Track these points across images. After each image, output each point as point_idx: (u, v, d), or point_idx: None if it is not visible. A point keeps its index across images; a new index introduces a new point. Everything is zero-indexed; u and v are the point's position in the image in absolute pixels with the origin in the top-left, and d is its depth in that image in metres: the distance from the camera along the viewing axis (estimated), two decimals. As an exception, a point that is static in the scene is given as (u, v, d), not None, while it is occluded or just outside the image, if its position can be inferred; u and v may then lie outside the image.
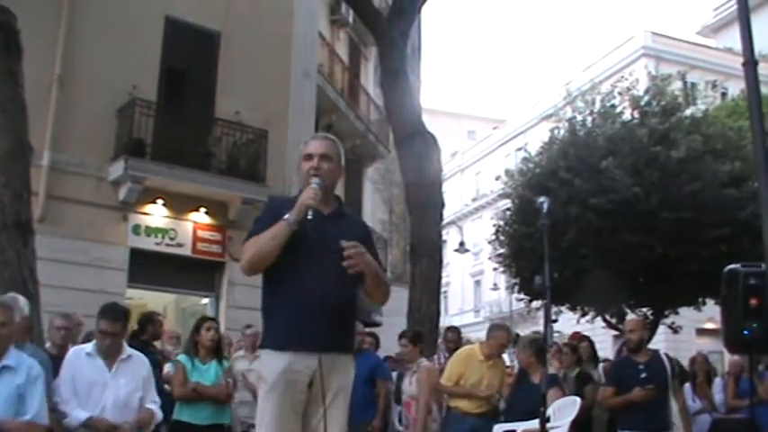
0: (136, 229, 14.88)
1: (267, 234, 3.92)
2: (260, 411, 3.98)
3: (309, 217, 3.88)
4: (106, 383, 5.67)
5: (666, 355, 7.82)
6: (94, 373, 5.68)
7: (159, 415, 5.94)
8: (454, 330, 10.58)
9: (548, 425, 6.52)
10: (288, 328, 3.90)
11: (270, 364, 3.93)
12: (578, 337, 11.28)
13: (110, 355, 5.74)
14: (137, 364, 5.89)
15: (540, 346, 7.49)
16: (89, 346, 5.88)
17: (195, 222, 15.52)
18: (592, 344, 10.97)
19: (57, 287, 12.02)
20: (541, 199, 6.73)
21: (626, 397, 7.26)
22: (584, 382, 9.37)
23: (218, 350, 7.29)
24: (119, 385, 5.71)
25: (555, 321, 16.12)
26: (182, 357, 7.19)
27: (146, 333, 8.14)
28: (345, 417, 4.02)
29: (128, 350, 5.86)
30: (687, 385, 10.33)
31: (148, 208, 15.00)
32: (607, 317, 18.72)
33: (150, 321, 8.21)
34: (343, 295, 3.99)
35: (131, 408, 5.72)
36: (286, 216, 3.91)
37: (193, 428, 6.89)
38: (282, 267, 3.93)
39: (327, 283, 3.88)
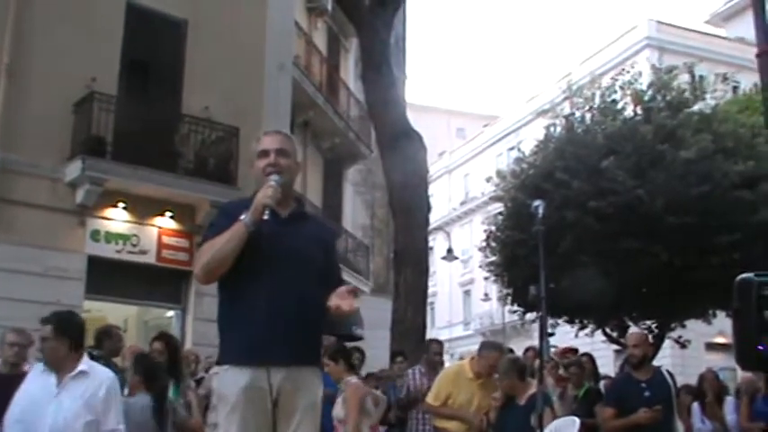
0: (95, 234, 14.74)
1: (222, 237, 3.88)
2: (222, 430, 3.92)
3: (266, 217, 3.84)
4: (49, 403, 5.22)
5: (667, 371, 7.82)
6: (40, 392, 5.30)
7: None
8: (440, 343, 10.49)
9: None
10: (247, 341, 3.85)
11: (229, 382, 3.88)
12: (563, 353, 11.30)
13: (60, 369, 5.31)
14: (92, 382, 5.32)
15: (520, 367, 7.49)
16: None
17: (160, 228, 15.41)
18: (592, 359, 10.94)
19: (7, 299, 11.98)
20: (536, 203, 6.72)
21: (631, 419, 7.21)
22: (593, 400, 9.32)
23: (173, 370, 7.17)
24: (61, 407, 5.18)
25: (552, 335, 16.12)
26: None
27: (102, 348, 8.03)
28: None
29: (84, 365, 5.38)
30: (695, 405, 10.31)
31: (108, 212, 14.87)
32: (608, 330, 18.70)
33: (107, 335, 8.10)
34: (307, 304, 3.92)
35: (82, 428, 5.19)
36: (242, 217, 3.87)
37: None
38: (239, 275, 3.88)
39: (289, 292, 3.84)
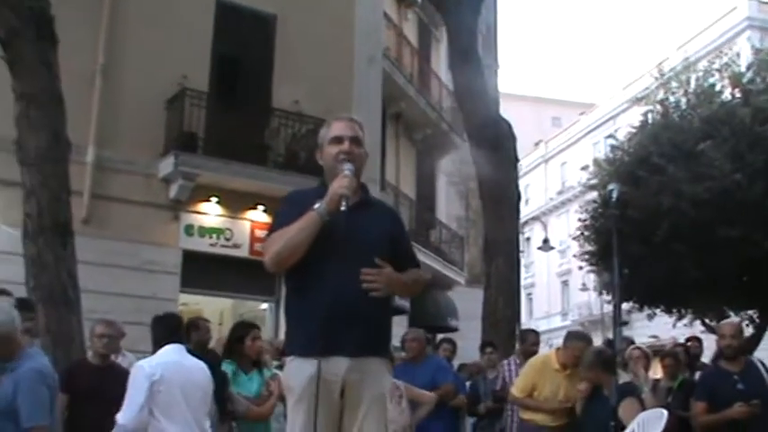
0: (188, 229, 14.92)
1: (295, 226, 3.80)
2: (289, 424, 3.89)
3: (343, 208, 3.75)
4: None
5: (761, 362, 7.49)
6: None
7: None
8: (534, 333, 10.29)
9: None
10: (315, 331, 3.74)
11: (297, 373, 3.82)
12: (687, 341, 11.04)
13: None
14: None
15: (605, 358, 7.29)
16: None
17: (252, 221, 15.49)
18: (687, 349, 10.65)
19: (104, 293, 12.16)
20: (611, 186, 6.51)
21: (725, 414, 6.92)
22: (689, 391, 9.06)
23: (259, 359, 7.25)
24: None
25: (625, 324, 15.78)
26: (225, 366, 7.13)
27: (190, 341, 8.11)
28: (383, 428, 3.89)
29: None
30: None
31: (201, 206, 15.02)
32: (707, 320, 18.25)
33: (195, 327, 8.17)
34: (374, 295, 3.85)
35: None
36: (316, 206, 3.80)
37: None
38: (307, 265, 3.82)
39: (356, 282, 3.75)
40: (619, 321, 6.27)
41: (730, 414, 6.87)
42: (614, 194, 6.61)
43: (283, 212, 3.97)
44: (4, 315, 5.15)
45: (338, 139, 4.01)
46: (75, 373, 6.85)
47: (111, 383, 6.75)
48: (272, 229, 3.97)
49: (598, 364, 7.29)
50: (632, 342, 10.93)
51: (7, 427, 5.01)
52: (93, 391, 6.70)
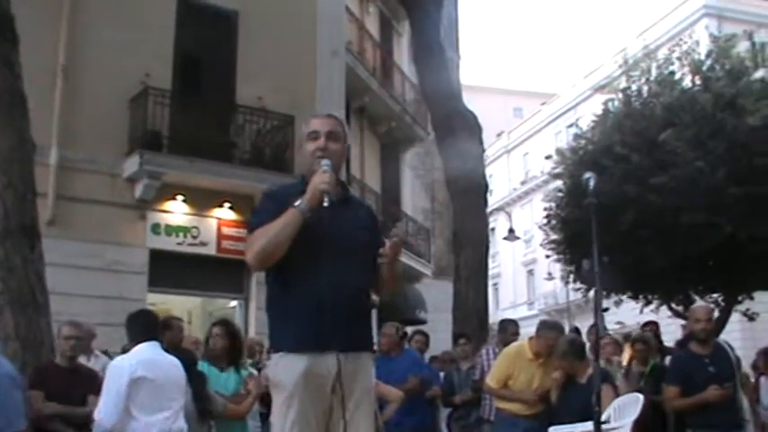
0: (155, 228, 14.85)
1: (278, 223, 3.79)
2: (280, 421, 3.85)
3: (326, 204, 3.76)
4: None
5: (727, 343, 7.60)
6: None
7: None
8: (514, 324, 10.29)
9: (607, 426, 6.36)
10: (304, 328, 3.78)
11: (287, 369, 3.81)
12: (644, 327, 11.12)
13: None
14: None
15: (578, 347, 7.36)
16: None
17: (219, 219, 15.46)
18: (657, 334, 10.75)
19: (71, 295, 12.06)
20: (587, 175, 6.56)
21: (700, 397, 7.00)
22: (660, 376, 9.13)
23: (234, 357, 7.18)
24: None
25: (606, 310, 15.84)
26: (200, 364, 7.10)
27: (163, 340, 8.06)
28: (374, 422, 3.95)
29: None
30: (763, 379, 10.08)
31: (168, 205, 14.96)
32: (673, 305, 18.40)
33: (168, 327, 8.12)
34: (360, 289, 3.90)
35: None
36: (297, 203, 3.79)
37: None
38: (291, 262, 3.81)
39: (343, 276, 3.77)
40: (600, 307, 6.23)
41: (705, 397, 6.95)
42: (591, 183, 6.57)
43: (264, 209, 3.96)
44: None
45: (315, 135, 4.01)
46: (44, 375, 6.80)
47: (79, 385, 6.75)
48: (252, 226, 3.94)
49: (571, 352, 7.35)
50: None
51: None
52: (62, 392, 6.69)
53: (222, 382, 7.00)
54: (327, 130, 4.01)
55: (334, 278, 3.75)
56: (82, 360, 7.98)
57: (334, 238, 3.79)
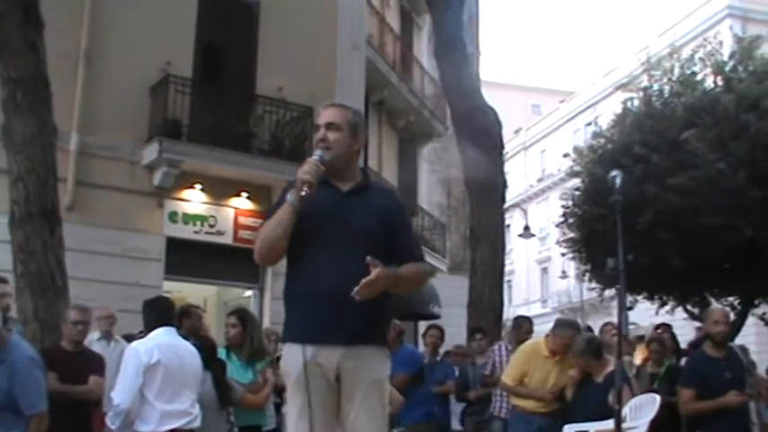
0: (172, 216, 14.89)
1: (272, 219, 3.87)
2: (288, 409, 3.95)
3: (303, 193, 3.77)
4: None
5: (742, 347, 7.57)
6: None
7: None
8: (528, 321, 10.26)
9: (624, 425, 6.36)
10: (308, 318, 3.82)
11: (291, 359, 3.86)
12: (656, 329, 11.09)
13: None
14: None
15: (595, 347, 7.34)
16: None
17: (236, 208, 15.49)
18: (673, 335, 10.73)
19: (88, 280, 12.10)
20: (613, 173, 6.54)
21: (720, 401, 6.87)
22: (675, 377, 9.12)
23: (251, 346, 7.18)
24: None
25: (630, 309, 15.80)
26: (219, 351, 7.13)
27: (182, 328, 8.10)
28: (382, 415, 3.90)
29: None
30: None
31: (186, 193, 15.00)
32: (689, 307, 18.36)
33: (186, 315, 8.17)
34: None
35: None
36: (288, 197, 3.83)
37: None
38: (299, 253, 3.86)
39: (350, 268, 3.72)
40: (624, 305, 6.20)
41: (726, 402, 6.84)
42: (617, 181, 6.55)
43: (277, 202, 4.01)
44: None
45: (317, 128, 4.08)
46: (52, 357, 6.84)
47: (84, 367, 6.80)
48: (265, 219, 4.01)
49: (588, 351, 7.35)
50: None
51: (6, 416, 5.03)
52: (68, 374, 6.74)
53: (240, 371, 7.03)
54: (326, 121, 4.04)
55: (339, 269, 3.75)
56: (102, 344, 8.06)
57: (340, 228, 3.82)
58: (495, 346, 9.89)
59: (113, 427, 5.64)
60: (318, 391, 3.80)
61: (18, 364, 5.10)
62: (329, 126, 4.01)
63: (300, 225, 3.82)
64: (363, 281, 3.64)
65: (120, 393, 5.67)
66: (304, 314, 3.83)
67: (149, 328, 6.11)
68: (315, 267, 3.81)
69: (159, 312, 6.19)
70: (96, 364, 7.14)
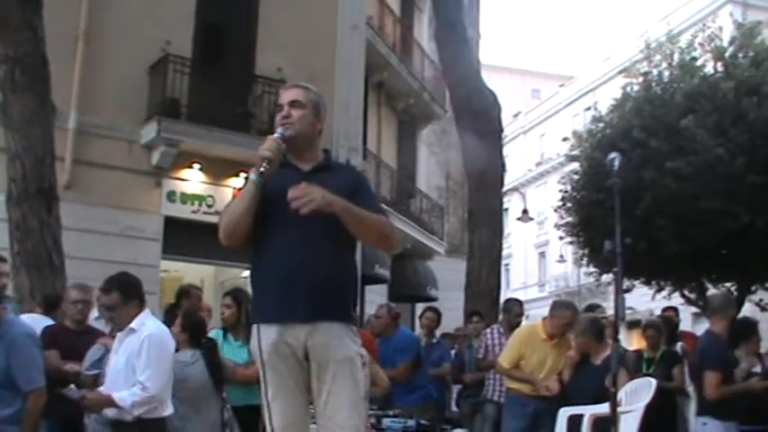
0: (170, 195, 14.86)
1: (236, 198, 3.88)
2: (262, 390, 3.94)
3: (263, 169, 3.77)
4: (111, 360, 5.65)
5: None
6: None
7: (124, 402, 5.42)
8: (519, 303, 10.25)
9: (619, 409, 6.35)
10: (273, 298, 3.82)
11: (261, 339, 3.87)
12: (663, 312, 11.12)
13: (122, 329, 5.67)
14: (137, 338, 5.55)
15: (599, 328, 7.32)
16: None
17: (234, 188, 15.31)
18: (672, 320, 10.74)
19: (85, 258, 12.09)
20: (612, 155, 6.49)
21: (746, 386, 6.82)
22: (671, 362, 9.14)
23: (244, 324, 7.06)
24: (111, 363, 5.64)
25: (627, 291, 15.81)
26: (213, 333, 7.10)
27: (180, 307, 8.09)
28: (357, 391, 3.87)
29: (136, 323, 5.60)
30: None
31: (184, 173, 14.96)
32: (686, 292, 18.39)
33: (186, 295, 8.16)
34: (333, 258, 3.87)
35: (116, 387, 5.49)
36: (250, 174, 3.83)
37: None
38: (265, 232, 3.86)
39: (313, 246, 3.76)
40: (621, 288, 6.17)
41: (750, 386, 6.81)
42: (616, 163, 6.52)
43: (240, 187, 4.01)
44: None
45: (280, 107, 4.06)
46: (54, 335, 6.82)
47: (87, 346, 6.76)
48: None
49: (591, 331, 7.33)
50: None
51: (3, 394, 5.04)
52: (70, 352, 6.70)
53: (236, 351, 7.01)
54: (290, 99, 4.03)
55: (301, 247, 3.77)
56: (101, 324, 8.03)
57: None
58: (488, 330, 9.87)
59: (130, 407, 5.50)
60: (289, 370, 3.83)
61: (16, 341, 5.15)
62: (293, 103, 4.01)
63: (263, 207, 3.81)
64: (294, 191, 3.62)
65: (154, 379, 5.41)
66: (269, 294, 3.84)
67: (137, 310, 5.79)
68: (278, 248, 3.82)
69: (141, 295, 5.87)
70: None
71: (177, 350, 6.09)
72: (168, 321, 6.56)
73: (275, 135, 3.88)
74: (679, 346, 10.26)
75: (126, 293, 5.67)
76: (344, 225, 3.80)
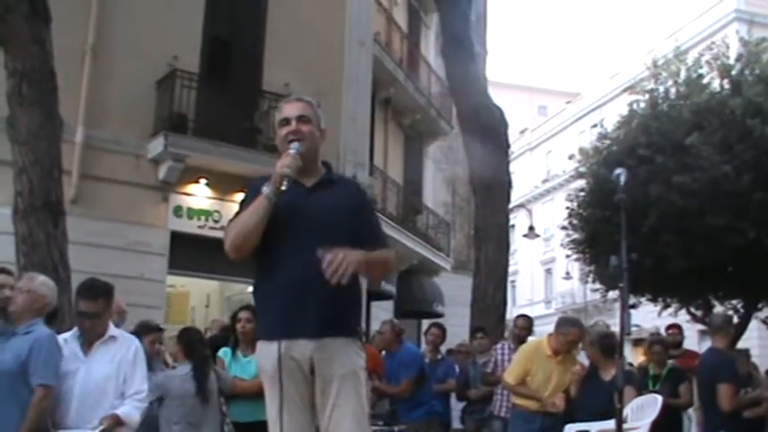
0: (177, 210, 14.85)
1: (247, 211, 3.84)
2: (268, 405, 3.92)
3: (284, 188, 3.76)
4: (78, 369, 5.45)
5: (746, 350, 7.86)
6: (66, 361, 5.44)
7: (131, 418, 5.44)
8: (527, 318, 10.27)
9: (625, 425, 6.32)
10: (277, 314, 3.83)
11: (266, 354, 3.87)
12: (667, 329, 11.09)
13: (89, 338, 5.56)
14: (120, 346, 5.57)
15: (609, 343, 7.29)
16: (69, 333, 5.75)
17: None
18: (679, 338, 10.73)
19: (91, 273, 11.84)
20: (618, 170, 6.54)
21: (756, 395, 7.49)
22: (678, 379, 9.10)
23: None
24: (92, 371, 5.45)
25: (633, 307, 15.78)
26: (222, 351, 7.10)
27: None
28: (360, 405, 3.88)
29: (112, 331, 5.62)
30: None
31: (190, 188, 14.96)
32: (692, 309, 18.33)
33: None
34: None
35: (105, 394, 5.43)
36: (263, 189, 3.81)
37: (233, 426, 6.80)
38: (270, 247, 3.84)
39: (314, 263, 3.72)
40: (627, 304, 6.18)
41: (762, 396, 7.36)
42: (622, 179, 6.56)
43: (244, 200, 4.00)
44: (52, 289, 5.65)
45: (286, 121, 4.03)
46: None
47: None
48: (234, 217, 3.98)
49: (599, 343, 7.30)
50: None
51: (22, 390, 5.12)
52: None
53: (243, 366, 7.00)
54: (297, 114, 4.01)
55: (307, 263, 3.72)
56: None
57: (308, 223, 3.81)
58: (498, 345, 9.88)
59: (134, 418, 5.52)
60: (295, 385, 3.83)
61: (41, 338, 5.23)
62: (301, 119, 4.00)
63: (269, 223, 3.80)
64: (328, 260, 3.60)
65: (146, 385, 5.63)
66: (276, 310, 3.83)
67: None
68: (284, 264, 3.81)
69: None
70: None
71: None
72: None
73: (292, 151, 3.86)
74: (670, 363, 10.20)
75: (109, 301, 5.66)
76: (352, 239, 3.81)
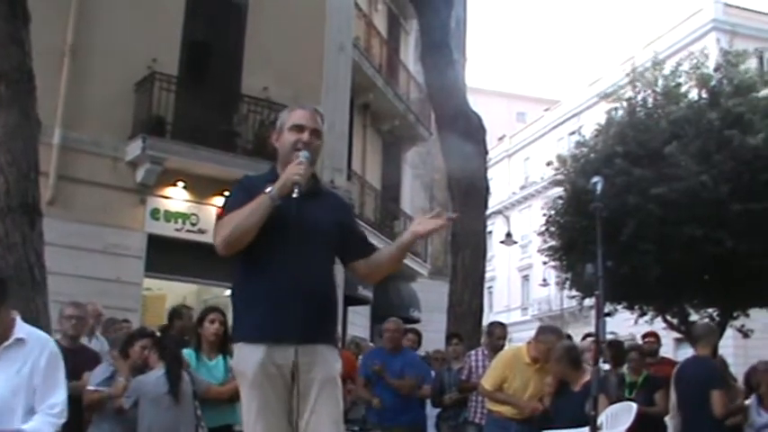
0: (154, 213, 14.82)
1: (246, 209, 3.82)
2: (245, 410, 3.92)
3: (295, 194, 3.78)
4: None
5: (721, 357, 8.07)
6: None
7: None
8: (503, 327, 10.29)
9: (598, 434, 6.37)
10: (263, 317, 3.83)
11: (247, 358, 3.86)
12: (644, 338, 11.13)
13: None
14: (30, 350, 4.44)
15: (574, 356, 7.33)
16: None
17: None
18: (655, 346, 10.77)
19: (68, 275, 12.05)
20: (595, 179, 6.58)
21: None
22: (653, 387, 9.14)
23: (224, 344, 6.97)
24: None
25: (608, 315, 15.86)
26: (186, 353, 7.02)
27: (173, 328, 8.08)
28: (338, 411, 3.94)
29: (19, 332, 4.46)
30: (753, 397, 10.10)
31: (168, 191, 14.93)
32: (668, 317, 18.44)
33: (178, 316, 8.16)
34: (323, 281, 3.97)
35: (12, 413, 4.34)
36: (268, 189, 3.81)
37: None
38: (258, 250, 3.85)
39: (306, 268, 3.80)
40: (602, 312, 6.23)
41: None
42: (598, 187, 6.63)
43: (234, 197, 3.99)
44: None
45: (299, 128, 4.06)
46: None
47: (81, 364, 6.73)
48: (222, 213, 3.97)
49: (566, 358, 7.32)
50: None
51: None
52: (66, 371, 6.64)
53: (210, 370, 6.94)
54: (313, 126, 4.07)
55: (294, 269, 3.76)
56: (83, 341, 8.00)
57: (299, 228, 3.81)
58: (472, 352, 9.87)
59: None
60: (274, 390, 3.84)
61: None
62: (314, 132, 4.06)
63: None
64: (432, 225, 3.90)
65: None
66: (259, 312, 3.84)
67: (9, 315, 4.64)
68: (271, 269, 3.84)
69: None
70: (91, 362, 7.07)
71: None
72: (166, 343, 6.71)
73: (302, 159, 3.88)
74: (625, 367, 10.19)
75: (4, 293, 4.48)
76: (336, 254, 4.04)
